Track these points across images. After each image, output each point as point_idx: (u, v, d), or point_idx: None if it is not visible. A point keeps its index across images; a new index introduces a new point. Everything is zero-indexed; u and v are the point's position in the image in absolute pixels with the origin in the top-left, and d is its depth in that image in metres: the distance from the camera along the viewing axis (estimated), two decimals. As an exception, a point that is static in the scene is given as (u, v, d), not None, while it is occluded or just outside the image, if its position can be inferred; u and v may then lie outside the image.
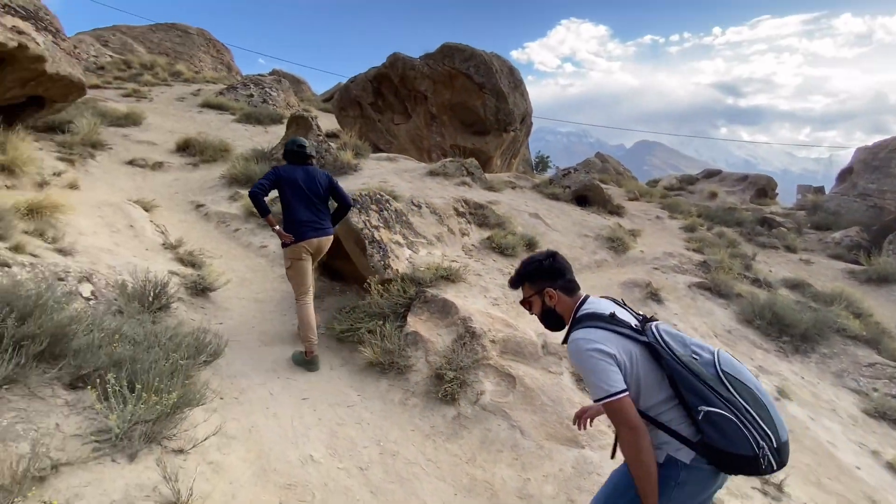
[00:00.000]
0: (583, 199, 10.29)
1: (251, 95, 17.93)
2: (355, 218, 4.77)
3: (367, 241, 4.66)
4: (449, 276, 4.75)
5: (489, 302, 4.65)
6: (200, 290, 4.70)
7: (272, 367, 3.87)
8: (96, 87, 16.53)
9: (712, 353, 1.66)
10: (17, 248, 3.52)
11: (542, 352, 3.92)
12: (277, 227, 3.97)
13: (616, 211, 10.33)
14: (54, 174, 6.50)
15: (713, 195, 17.14)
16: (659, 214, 11.54)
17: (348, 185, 7.78)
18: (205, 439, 2.58)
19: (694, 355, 1.65)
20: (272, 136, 13.10)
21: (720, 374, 1.60)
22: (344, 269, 5.34)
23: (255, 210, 4.58)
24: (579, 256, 7.03)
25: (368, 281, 4.51)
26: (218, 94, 17.30)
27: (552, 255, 1.98)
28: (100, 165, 8.36)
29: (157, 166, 9.22)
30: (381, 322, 4.13)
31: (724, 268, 7.40)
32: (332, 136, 13.27)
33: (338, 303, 4.84)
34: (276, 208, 4.78)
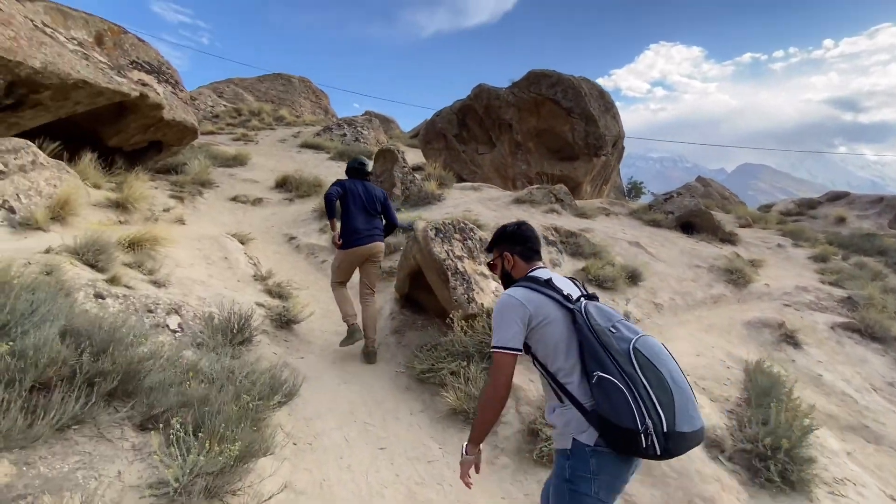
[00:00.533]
0: (688, 225, 9.26)
1: (344, 135, 18.94)
2: (437, 248, 4.45)
3: (449, 273, 4.31)
4: (541, 312, 4.23)
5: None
6: (285, 322, 4.60)
7: (349, 409, 3.58)
8: (211, 133, 18.36)
9: (636, 335, 1.62)
10: (113, 280, 3.60)
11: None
12: (335, 232, 4.57)
13: (729, 239, 9.15)
14: (164, 210, 6.97)
15: (841, 220, 14.89)
16: (780, 242, 10.09)
17: (432, 214, 7.59)
18: (269, 498, 2.29)
19: (612, 329, 1.63)
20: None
21: (631, 350, 1.57)
22: (426, 302, 5.02)
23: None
24: (692, 290, 6.15)
25: (451, 316, 4.13)
26: (315, 135, 18.47)
27: (519, 224, 2.07)
28: (206, 202, 8.96)
29: (257, 202, 9.72)
30: (465, 363, 3.70)
31: (874, 305, 6.11)
32: (417, 169, 13.44)
33: (419, 338, 4.51)
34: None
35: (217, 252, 5.60)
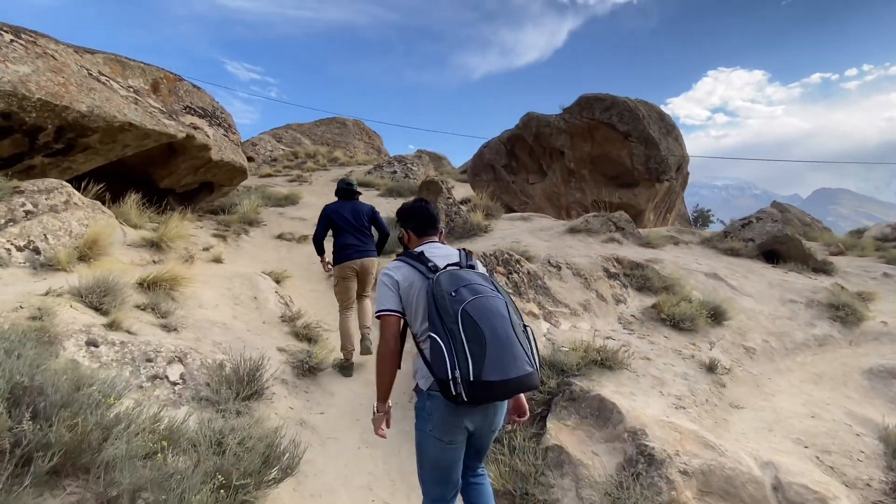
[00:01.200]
0: (772, 254, 8.06)
1: (395, 172, 18.98)
2: (478, 283, 3.82)
3: (492, 313, 3.65)
4: (605, 361, 3.45)
5: (669, 403, 3.19)
6: (307, 369, 4.08)
7: (367, 482, 2.93)
8: (269, 175, 18.98)
9: (474, 296, 1.75)
10: (113, 325, 3.23)
11: (774, 497, 2.37)
12: (324, 258, 4.83)
13: (823, 268, 7.85)
14: (204, 249, 6.80)
15: (955, 243, 12.80)
16: (886, 271, 8.59)
17: (477, 246, 6.99)
18: None
19: (453, 293, 1.76)
20: (409, 206, 13.24)
21: (460, 311, 1.72)
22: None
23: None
24: (789, 330, 5.07)
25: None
26: (366, 173, 18.64)
27: (414, 202, 2.29)
28: (251, 240, 8.85)
29: (302, 239, 9.53)
30: (510, 426, 2.98)
31: None
32: (465, 202, 13.01)
33: (458, 391, 3.83)
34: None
35: (247, 291, 5.24)
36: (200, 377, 3.32)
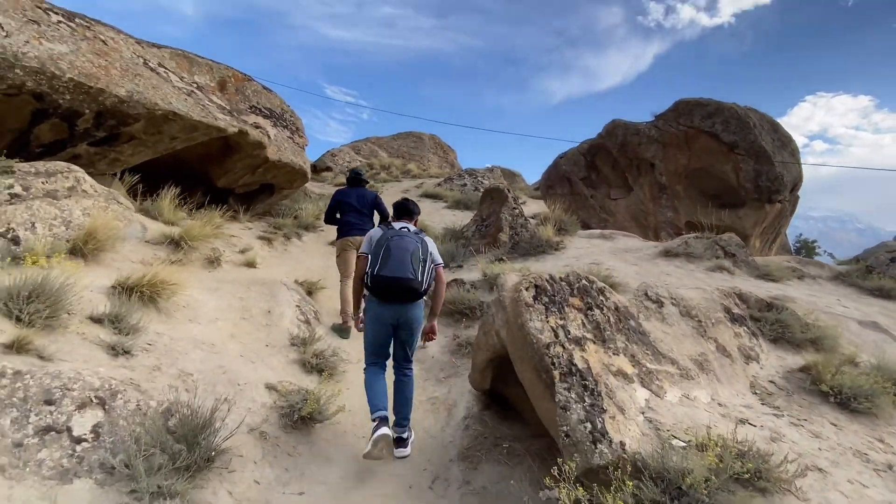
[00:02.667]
0: (947, 298, 5.83)
1: (464, 185, 17.87)
2: (537, 321, 2.44)
3: (557, 371, 2.25)
4: (755, 477, 1.93)
5: None
6: (297, 420, 2.90)
7: None
8: (342, 185, 18.67)
9: (399, 237, 3.03)
10: (15, 345, 2.24)
11: None
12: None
13: None
14: (241, 251, 5.98)
15: None
16: None
17: (545, 266, 5.55)
18: None
19: (390, 238, 3.02)
20: (475, 218, 11.99)
21: (385, 243, 2.96)
22: (520, 404, 2.97)
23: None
24: None
25: (559, 465, 2.02)
26: (437, 185, 17.72)
27: (402, 199, 3.66)
28: (301, 245, 8.03)
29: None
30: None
31: None
32: (535, 215, 11.53)
33: (499, 486, 2.45)
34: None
35: (261, 303, 4.22)
36: (125, 431, 2.24)
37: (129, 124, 5.73)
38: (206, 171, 8.13)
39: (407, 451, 2.94)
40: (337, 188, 18.50)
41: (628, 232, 10.01)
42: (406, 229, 3.10)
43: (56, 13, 5.43)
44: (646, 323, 3.07)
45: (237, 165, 7.88)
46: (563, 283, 2.67)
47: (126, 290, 3.31)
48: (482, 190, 17.17)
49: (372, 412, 2.81)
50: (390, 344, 3.07)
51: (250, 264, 5.62)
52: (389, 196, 15.78)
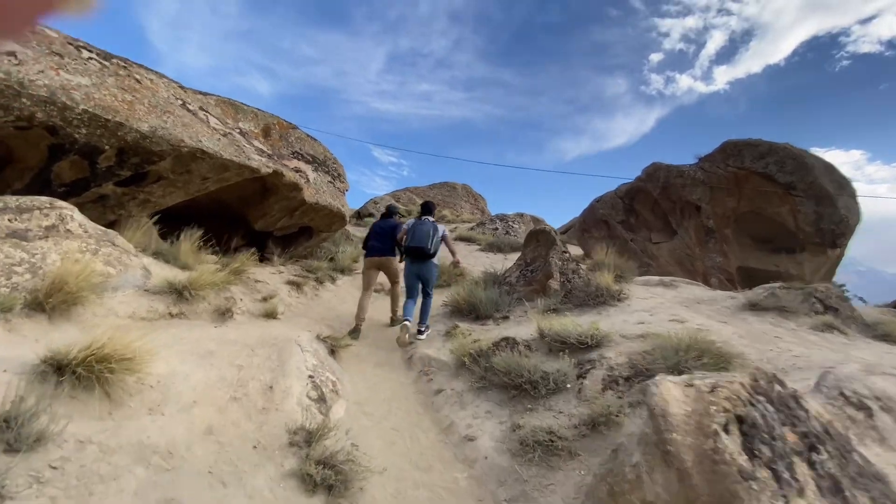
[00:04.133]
0: None
1: (496, 229, 16.70)
2: (742, 465, 0.99)
3: None
4: None
5: None
6: None
7: None
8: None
9: (419, 224, 4.84)
10: None
11: None
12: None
13: None
14: (263, 299, 4.77)
15: None
16: None
17: (612, 323, 4.06)
18: None
19: (414, 224, 4.87)
20: (511, 262, 10.61)
21: (412, 227, 4.82)
22: None
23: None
24: None
25: None
26: (469, 229, 16.66)
27: (425, 202, 5.31)
28: (335, 289, 6.80)
29: (389, 293, 7.32)
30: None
31: None
32: (583, 258, 10.04)
33: None
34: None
35: (264, 374, 2.92)
36: None
37: (154, 162, 4.75)
38: (244, 213, 7.15)
39: (423, 336, 4.64)
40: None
41: (676, 277, 8.34)
42: (426, 220, 4.81)
43: (90, 51, 4.61)
44: (863, 450, 1.55)
45: (274, 208, 6.85)
46: (763, 400, 1.22)
47: (63, 368, 2.06)
48: (513, 234, 15.88)
49: (403, 317, 4.54)
50: (418, 286, 4.80)
51: (270, 315, 4.37)
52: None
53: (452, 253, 5.08)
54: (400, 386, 3.79)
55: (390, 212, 5.71)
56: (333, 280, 7.05)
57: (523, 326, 4.52)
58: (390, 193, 24.33)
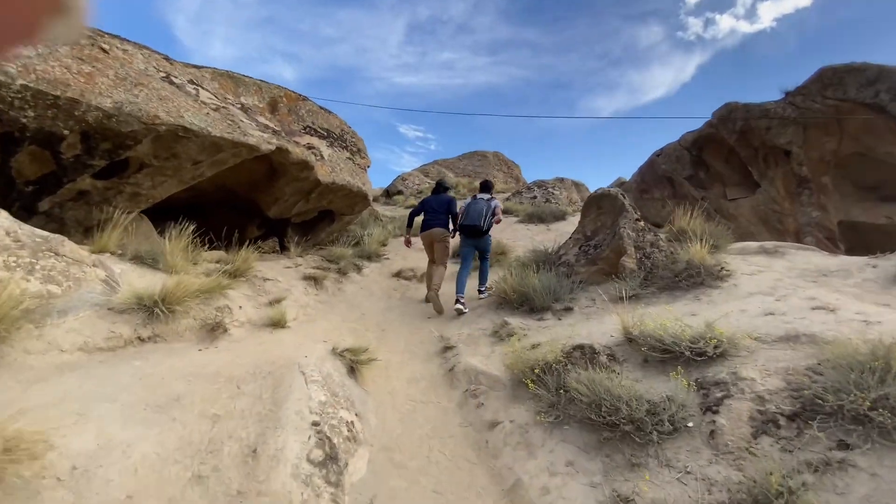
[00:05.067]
0: None
1: (534, 197, 15.30)
2: None
3: None
4: None
5: None
6: None
7: None
8: (413, 206, 16.87)
9: (475, 202, 5.13)
10: None
11: None
12: (408, 234, 5.64)
13: None
14: (270, 302, 3.95)
15: None
16: None
17: (722, 312, 2.90)
18: None
19: (472, 202, 5.15)
20: (555, 234, 9.38)
21: (467, 206, 5.08)
22: None
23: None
24: None
25: None
26: (505, 199, 15.36)
27: (484, 180, 5.68)
28: (361, 280, 5.96)
29: (424, 278, 6.41)
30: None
31: None
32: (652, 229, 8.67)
33: None
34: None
35: (248, 427, 2.07)
36: None
37: (129, 147, 3.94)
38: (255, 200, 6.36)
39: (484, 295, 5.01)
40: (409, 208, 16.86)
41: (756, 239, 6.90)
42: (482, 198, 5.11)
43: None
44: None
45: (285, 191, 6.00)
46: None
47: None
48: (554, 201, 14.46)
49: (457, 292, 4.71)
50: (473, 253, 5.15)
51: (277, 324, 3.54)
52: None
53: (495, 221, 5.19)
54: (441, 413, 2.87)
55: (442, 186, 5.67)
56: (359, 269, 6.20)
57: (595, 322, 3.46)
58: (419, 168, 23.25)
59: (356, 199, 7.23)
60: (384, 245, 8.27)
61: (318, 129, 7.14)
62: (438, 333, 4.09)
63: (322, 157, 6.46)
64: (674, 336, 2.55)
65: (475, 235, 4.95)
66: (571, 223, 11.11)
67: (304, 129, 6.84)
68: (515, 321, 3.81)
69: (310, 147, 6.38)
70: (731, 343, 2.43)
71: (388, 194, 20.31)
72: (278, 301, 3.96)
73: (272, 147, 5.00)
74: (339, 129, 7.97)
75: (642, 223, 4.38)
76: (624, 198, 4.59)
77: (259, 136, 4.91)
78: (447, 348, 3.71)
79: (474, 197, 5.21)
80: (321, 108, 7.72)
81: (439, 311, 4.64)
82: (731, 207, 7.82)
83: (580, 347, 2.79)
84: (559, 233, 9.81)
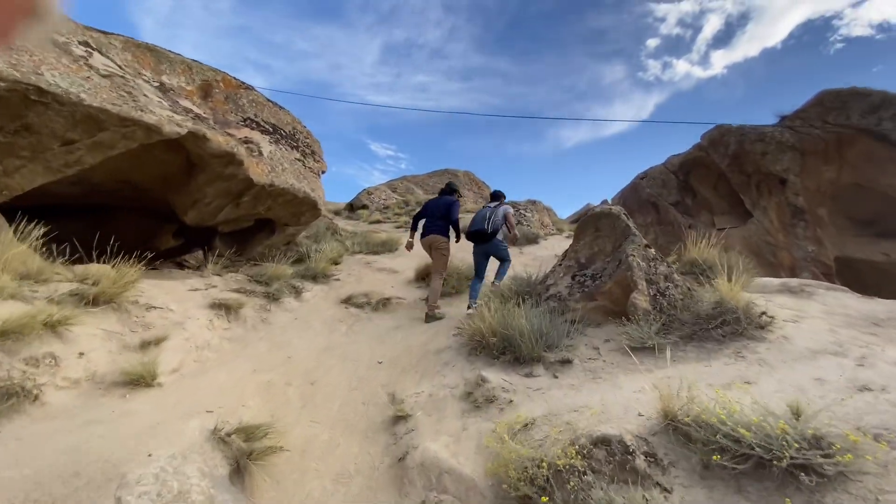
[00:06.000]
0: None
1: (507, 217, 14.58)
2: None
3: None
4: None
5: None
6: None
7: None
8: (378, 221, 15.77)
9: (483, 210, 5.15)
10: None
11: None
12: (409, 241, 5.44)
13: None
14: (142, 345, 2.74)
15: None
16: None
17: (791, 383, 1.97)
18: None
19: (483, 210, 5.18)
20: (528, 258, 8.56)
21: (477, 212, 5.13)
22: None
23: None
24: None
25: None
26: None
27: (494, 190, 5.53)
28: (297, 308, 4.78)
29: (380, 305, 5.31)
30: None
31: None
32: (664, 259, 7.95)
33: None
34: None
35: None
36: None
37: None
38: (170, 201, 5.10)
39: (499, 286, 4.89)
40: (373, 223, 15.61)
41: (804, 280, 6.26)
42: (489, 206, 5.14)
43: None
44: None
45: (206, 191, 4.78)
46: None
47: None
48: (525, 223, 13.77)
49: (470, 298, 4.73)
50: (485, 263, 5.03)
51: (139, 381, 2.35)
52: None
53: (509, 228, 5.08)
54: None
55: (450, 189, 5.50)
56: (298, 293, 5.02)
57: (607, 386, 2.49)
58: (386, 183, 22.24)
59: (302, 207, 6.08)
60: (336, 264, 7.11)
61: (263, 124, 6.01)
62: (389, 392, 2.99)
63: (260, 153, 5.33)
64: (757, 431, 1.60)
65: (482, 240, 4.93)
66: (544, 247, 10.33)
67: (244, 120, 5.70)
68: (495, 377, 2.78)
69: (246, 141, 5.24)
70: (857, 452, 1.50)
71: (353, 208, 19.10)
72: (158, 341, 2.76)
73: (181, 131, 3.83)
74: (291, 127, 6.86)
75: (653, 251, 3.51)
76: (627, 218, 3.74)
77: (162, 114, 3.74)
78: (399, 418, 2.61)
79: (484, 205, 5.42)
80: (270, 101, 6.61)
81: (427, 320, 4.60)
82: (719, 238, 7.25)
83: (605, 442, 1.78)
84: (532, 257, 8.96)
